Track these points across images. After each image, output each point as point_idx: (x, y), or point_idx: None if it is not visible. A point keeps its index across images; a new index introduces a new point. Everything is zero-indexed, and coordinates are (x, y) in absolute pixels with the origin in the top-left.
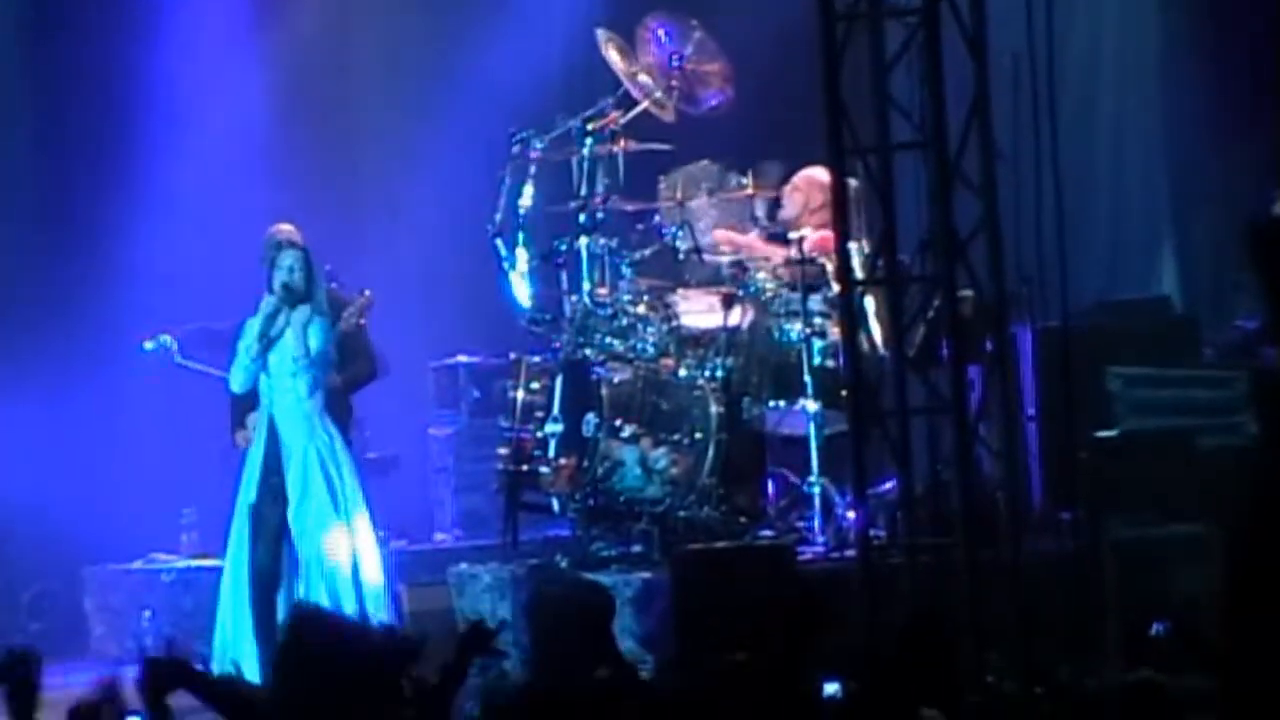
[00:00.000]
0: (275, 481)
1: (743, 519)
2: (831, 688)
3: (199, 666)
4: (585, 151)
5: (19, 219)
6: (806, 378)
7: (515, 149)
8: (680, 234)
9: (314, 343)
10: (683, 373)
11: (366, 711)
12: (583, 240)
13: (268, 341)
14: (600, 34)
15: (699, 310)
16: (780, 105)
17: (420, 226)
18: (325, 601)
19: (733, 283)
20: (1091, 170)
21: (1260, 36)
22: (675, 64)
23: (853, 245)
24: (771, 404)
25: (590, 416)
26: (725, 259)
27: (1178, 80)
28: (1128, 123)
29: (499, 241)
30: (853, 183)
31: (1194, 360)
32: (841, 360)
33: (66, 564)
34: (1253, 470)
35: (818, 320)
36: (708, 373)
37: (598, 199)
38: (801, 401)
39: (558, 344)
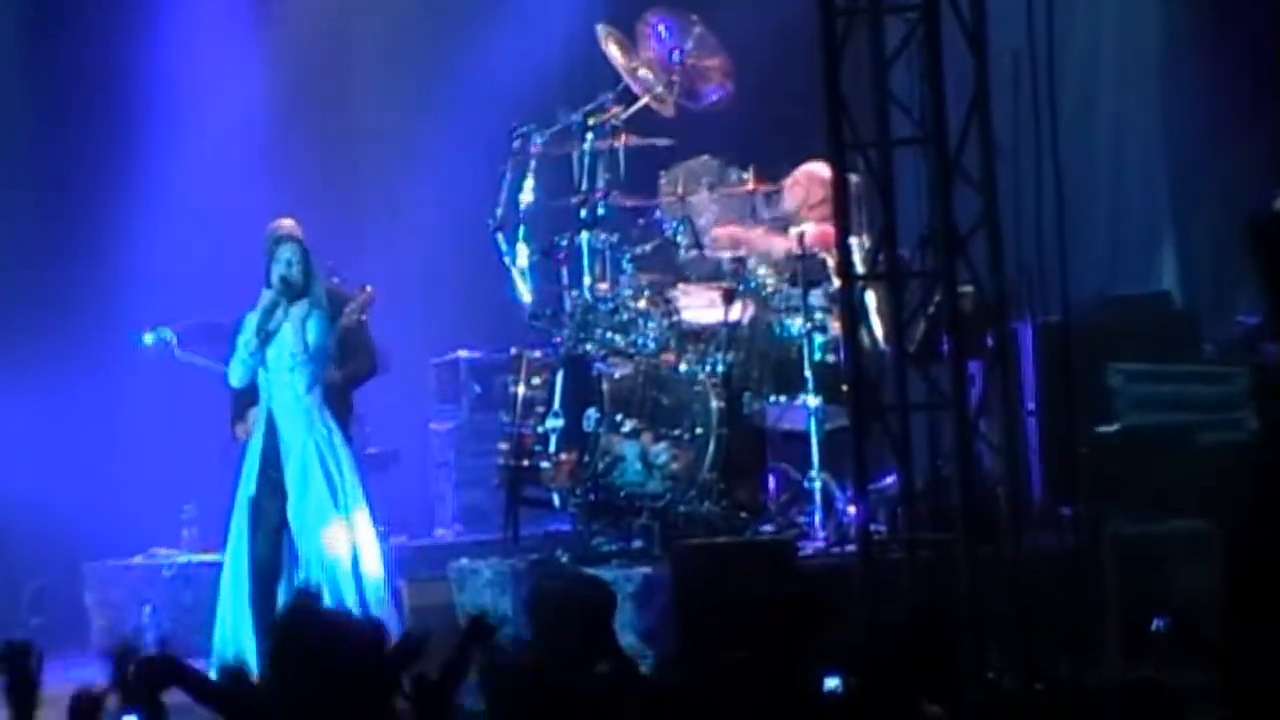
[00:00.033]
0: (274, 475)
1: (743, 514)
2: (832, 682)
3: (191, 663)
4: (586, 146)
5: (19, 216)
6: (807, 373)
7: (516, 144)
8: (681, 229)
9: (312, 337)
10: (683, 368)
11: (362, 705)
12: (583, 235)
13: (266, 336)
14: (600, 29)
15: (700, 305)
16: (781, 100)
17: (421, 222)
18: (326, 596)
19: (733, 278)
20: (1092, 166)
21: (1261, 33)
22: (676, 59)
23: (853, 240)
24: (772, 399)
25: (591, 411)
26: (727, 255)
27: (1178, 77)
28: (1128, 119)
29: (499, 237)
30: (853, 178)
31: (1194, 356)
32: (842, 355)
33: (67, 559)
34: (1253, 466)
35: (818, 315)
36: (708, 368)
37: (598, 194)
38: (802, 396)
39: (558, 339)
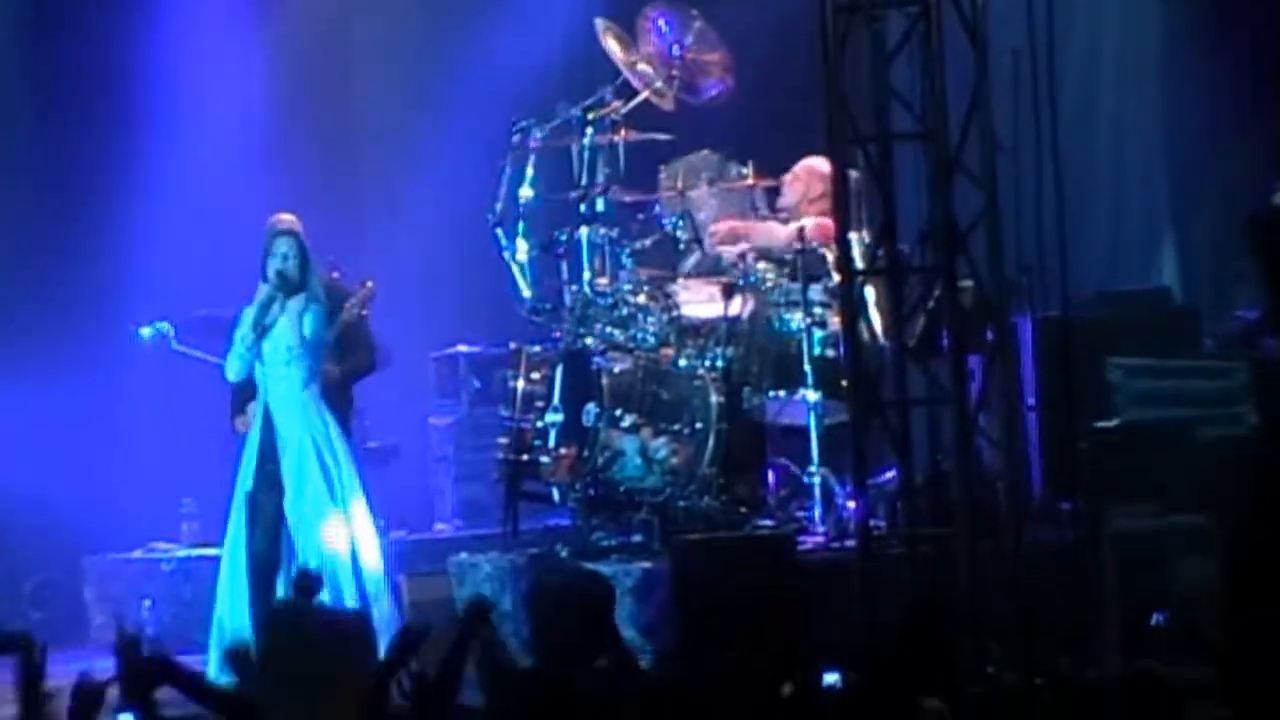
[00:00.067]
0: (271, 469)
1: (743, 509)
2: (831, 678)
3: (183, 661)
4: (585, 141)
5: (19, 211)
6: (807, 368)
7: (515, 138)
8: (681, 224)
9: (309, 331)
10: (683, 362)
11: (353, 698)
12: (583, 230)
13: (262, 330)
14: (599, 24)
15: (699, 300)
16: (781, 95)
17: (420, 217)
18: (325, 592)
19: (733, 272)
20: (1092, 162)
21: (1261, 30)
22: (676, 54)
23: (853, 235)
24: (772, 394)
25: (590, 406)
26: (727, 250)
27: (1178, 74)
28: (1128, 115)
29: (499, 232)
30: (853, 174)
31: (1194, 351)
32: (842, 350)
33: (67, 554)
34: (1253, 461)
35: (818, 310)
36: (708, 362)
37: (598, 189)
38: (802, 391)
39: (558, 334)
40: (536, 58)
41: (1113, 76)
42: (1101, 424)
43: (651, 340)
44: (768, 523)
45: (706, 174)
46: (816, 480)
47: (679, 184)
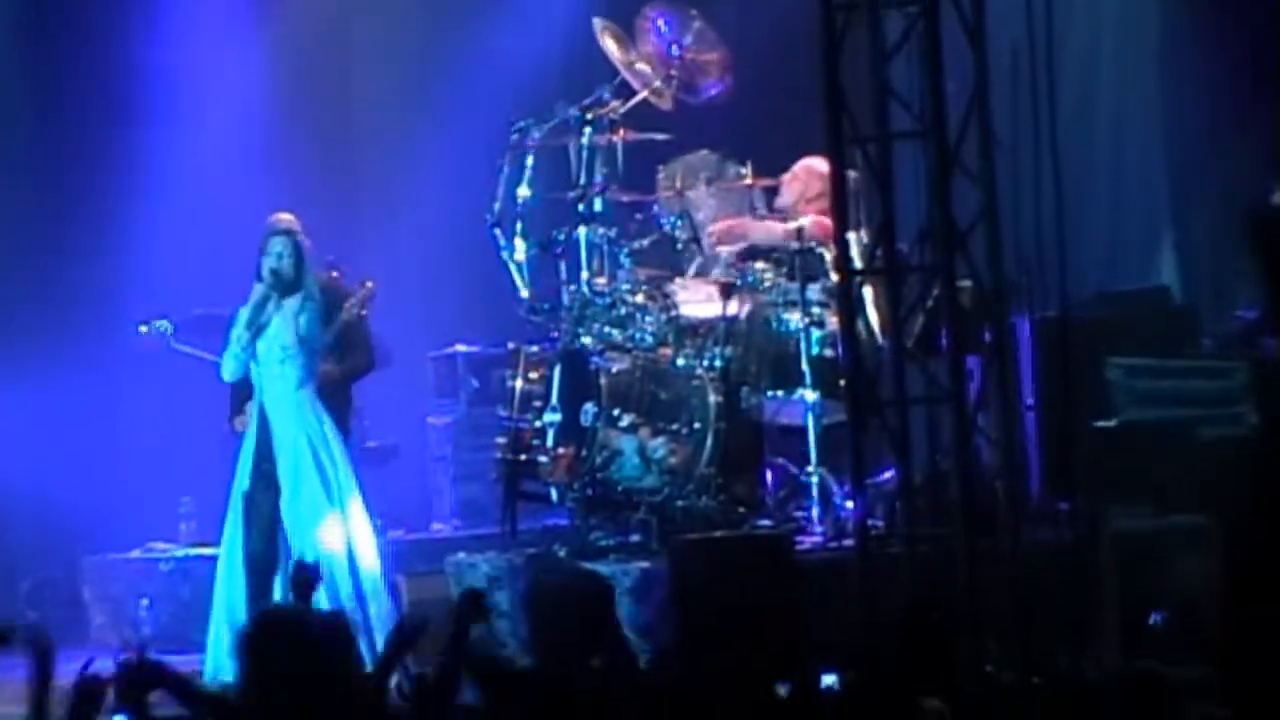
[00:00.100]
0: (267, 469)
1: (741, 509)
2: (829, 679)
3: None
4: (584, 141)
5: (18, 207)
6: (805, 367)
7: (514, 138)
8: (679, 224)
9: (304, 330)
10: (681, 362)
11: (339, 699)
12: (581, 230)
13: (257, 329)
14: (597, 23)
15: (697, 300)
16: (779, 95)
17: (419, 218)
18: (323, 591)
19: (731, 272)
20: (1091, 161)
21: (1261, 27)
22: (674, 53)
23: (851, 235)
24: (770, 394)
25: (588, 406)
26: (725, 250)
27: (1178, 73)
28: (1128, 114)
29: (497, 231)
30: (851, 174)
31: (1193, 350)
32: (840, 350)
33: (65, 553)
34: (1252, 461)
35: (816, 310)
36: (706, 362)
37: (596, 189)
38: (800, 391)
39: (556, 333)
40: (536, 57)
41: (1112, 75)
42: (1100, 424)
43: (650, 340)
44: (766, 522)
45: (705, 174)
46: (815, 480)
47: (677, 184)
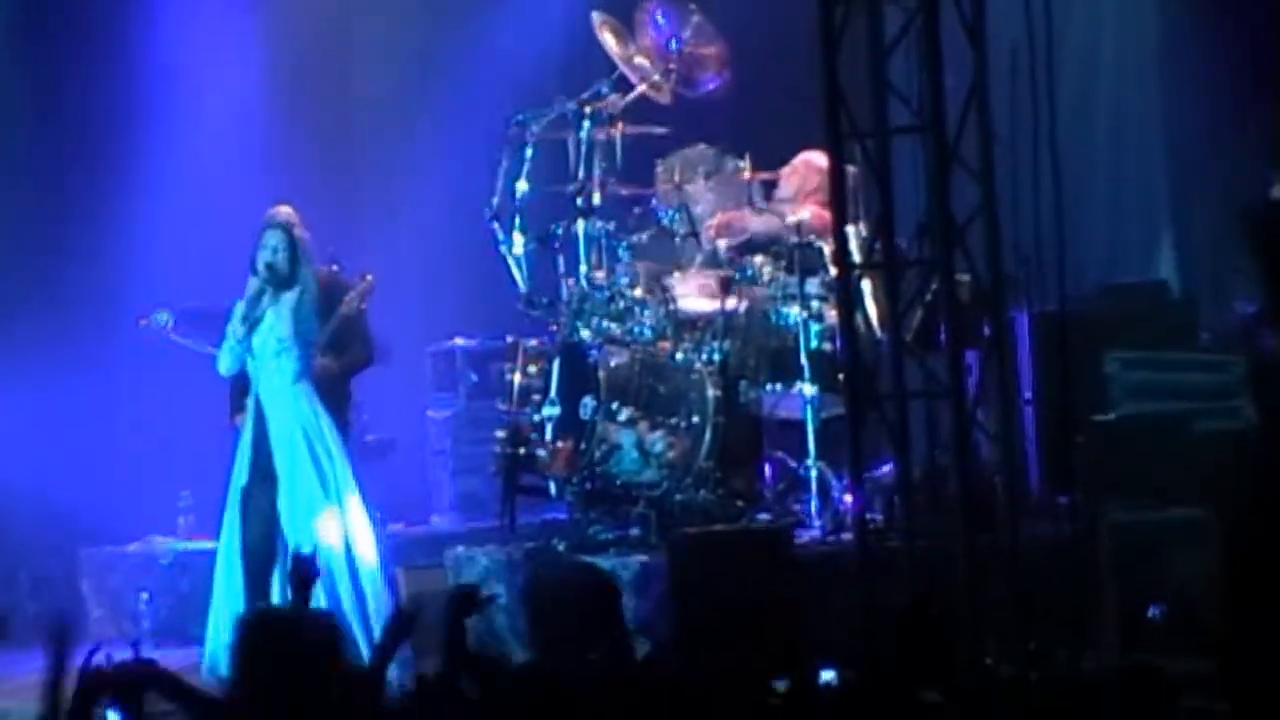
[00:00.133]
0: (264, 463)
1: (740, 502)
2: (828, 674)
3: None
4: (582, 135)
5: (17, 204)
6: (803, 361)
7: (512, 131)
8: (677, 217)
9: (299, 323)
10: (680, 356)
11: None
12: (580, 223)
13: (252, 323)
14: (595, 17)
15: (696, 293)
16: (778, 89)
17: (418, 212)
18: (320, 585)
19: (730, 266)
20: (1090, 156)
21: (1261, 27)
22: (673, 47)
23: (850, 229)
24: (768, 387)
25: (587, 400)
26: (724, 243)
27: (1177, 69)
28: (1127, 109)
29: (496, 225)
30: (850, 168)
31: (1192, 344)
32: (838, 344)
33: (64, 546)
34: (1250, 455)
35: (815, 304)
36: (705, 356)
37: (595, 182)
38: (798, 385)
39: (555, 327)
40: (535, 52)
41: (1112, 73)
42: (1099, 417)
43: (648, 334)
44: (764, 516)
45: (703, 167)
46: (813, 474)
47: (676, 178)
